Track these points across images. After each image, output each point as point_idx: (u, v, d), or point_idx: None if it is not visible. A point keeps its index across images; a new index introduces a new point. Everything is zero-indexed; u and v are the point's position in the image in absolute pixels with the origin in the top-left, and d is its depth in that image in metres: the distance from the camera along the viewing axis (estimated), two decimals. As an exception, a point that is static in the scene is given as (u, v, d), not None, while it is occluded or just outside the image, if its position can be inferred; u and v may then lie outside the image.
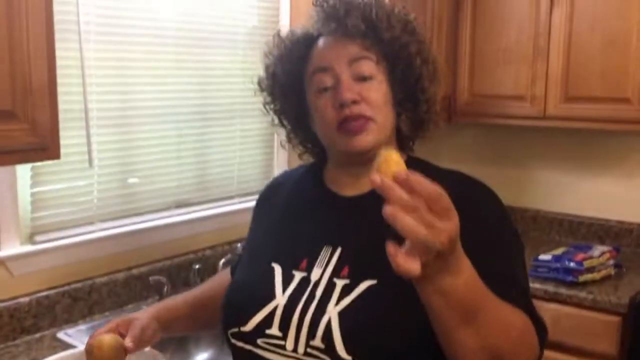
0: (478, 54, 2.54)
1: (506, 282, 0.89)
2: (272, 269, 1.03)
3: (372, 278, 0.94)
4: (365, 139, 1.00)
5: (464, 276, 0.76)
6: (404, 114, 1.06)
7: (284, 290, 0.99)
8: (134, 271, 1.92)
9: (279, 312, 0.97)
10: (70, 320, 1.76)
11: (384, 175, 0.73)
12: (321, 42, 1.05)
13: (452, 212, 0.71)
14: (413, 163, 1.07)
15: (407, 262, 0.71)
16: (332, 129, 1.02)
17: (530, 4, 2.40)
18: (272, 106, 1.15)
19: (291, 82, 1.09)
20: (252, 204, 2.28)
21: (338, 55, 1.02)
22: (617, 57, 2.23)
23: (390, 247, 0.71)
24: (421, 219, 0.69)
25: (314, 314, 0.95)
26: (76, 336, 1.68)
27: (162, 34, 1.94)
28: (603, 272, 2.22)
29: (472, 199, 0.97)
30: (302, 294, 0.98)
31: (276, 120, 1.16)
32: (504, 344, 0.82)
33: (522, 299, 0.90)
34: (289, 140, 1.18)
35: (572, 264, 2.19)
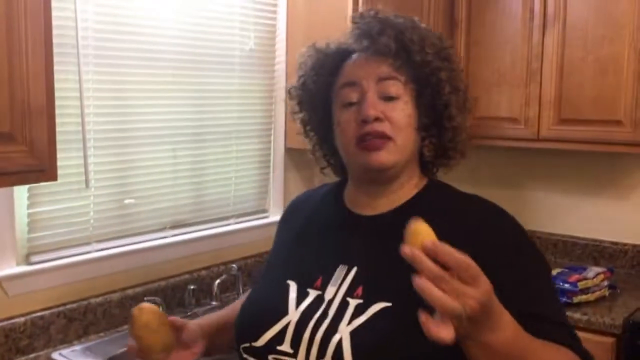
0: (472, 77, 2.57)
1: (546, 320, 0.91)
2: (287, 286, 1.03)
3: (386, 300, 0.94)
4: (384, 156, 1.00)
5: (505, 332, 0.79)
6: (428, 139, 1.06)
7: (297, 307, 0.99)
8: (129, 292, 1.92)
9: (291, 329, 0.97)
10: (65, 340, 1.76)
11: (413, 245, 0.75)
12: (353, 58, 1.06)
13: (482, 278, 0.74)
14: (434, 187, 1.09)
15: (439, 331, 0.72)
16: (352, 144, 1.02)
17: (523, 27, 2.44)
18: (299, 115, 1.15)
19: (320, 94, 1.09)
20: (249, 224, 2.34)
21: (367, 72, 1.03)
22: (609, 81, 2.26)
23: (422, 316, 0.73)
24: (450, 288, 0.72)
25: (325, 332, 0.94)
26: (71, 357, 1.68)
27: (159, 57, 1.97)
28: (597, 294, 2.22)
29: (497, 229, 0.99)
30: (315, 312, 0.97)
31: (301, 130, 1.16)
32: None
33: (565, 335, 0.92)
34: (313, 152, 1.18)
35: (566, 285, 2.19)
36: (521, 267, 0.96)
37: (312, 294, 1.00)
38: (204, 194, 2.18)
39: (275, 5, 2.34)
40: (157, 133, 2.00)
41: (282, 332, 0.97)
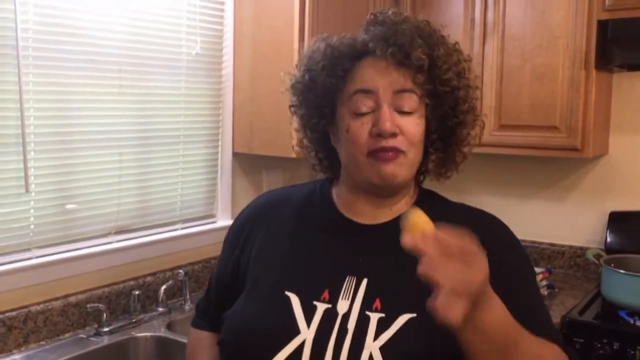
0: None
1: (538, 320, 0.93)
2: (288, 299, 0.96)
3: (409, 311, 0.90)
4: (396, 170, 0.96)
5: (497, 311, 0.80)
6: (434, 154, 1.03)
7: (308, 323, 0.92)
8: (72, 299, 1.87)
9: (307, 350, 0.90)
10: (4, 349, 1.70)
11: (413, 235, 0.77)
12: (371, 61, 0.99)
13: (481, 257, 0.76)
14: (425, 195, 1.07)
15: (447, 311, 0.73)
16: (362, 154, 0.97)
17: (464, 36, 2.51)
18: (297, 109, 1.08)
19: (326, 93, 1.03)
20: (196, 229, 2.31)
21: (387, 81, 0.96)
22: (545, 88, 2.36)
23: (429, 301, 0.74)
24: (453, 270, 0.73)
25: (350, 351, 0.89)
26: (9, 367, 1.64)
27: (104, 60, 1.94)
28: (536, 293, 2.31)
29: (499, 239, 1.01)
30: (332, 328, 0.91)
31: (296, 125, 1.10)
32: None
33: (554, 334, 0.94)
34: (303, 147, 1.12)
35: (507, 286, 2.26)
36: (521, 273, 0.99)
37: (321, 307, 0.94)
38: (149, 199, 2.16)
39: (222, 10, 2.34)
40: (101, 137, 1.97)
41: (297, 353, 0.90)
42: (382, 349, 0.88)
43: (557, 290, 2.39)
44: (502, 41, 2.43)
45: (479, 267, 0.76)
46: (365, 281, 0.95)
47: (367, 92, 0.97)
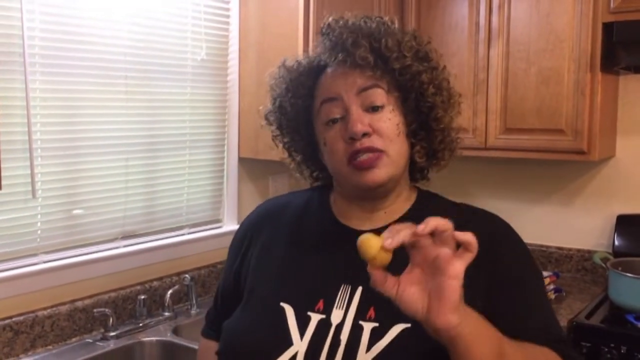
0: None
1: (536, 321, 0.91)
2: (282, 310, 0.94)
3: (404, 321, 0.88)
4: (378, 174, 0.95)
5: (479, 321, 0.79)
6: (418, 145, 1.01)
7: (301, 334, 0.91)
8: (78, 304, 1.89)
9: None
10: (11, 354, 1.71)
11: (372, 262, 0.77)
12: (329, 72, 1.00)
13: (452, 239, 0.75)
14: (425, 197, 1.06)
15: (446, 314, 0.74)
16: (343, 163, 0.96)
17: (469, 40, 2.51)
18: (280, 139, 1.09)
19: (299, 115, 1.03)
20: (202, 234, 2.32)
21: (346, 85, 0.97)
22: (551, 92, 2.35)
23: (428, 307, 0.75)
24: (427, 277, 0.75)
25: None
26: (16, 371, 1.65)
27: (110, 66, 1.96)
28: (543, 297, 2.29)
29: (504, 239, 0.99)
30: (324, 339, 0.90)
31: (286, 154, 1.11)
32: None
33: (555, 337, 0.92)
34: (300, 172, 1.12)
35: (513, 290, 2.25)
36: (522, 272, 0.97)
37: (315, 318, 0.92)
38: (156, 204, 2.17)
39: (227, 15, 2.36)
40: (108, 142, 1.98)
41: None
42: None
43: (564, 293, 2.38)
44: (507, 45, 2.43)
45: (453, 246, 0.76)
46: (359, 290, 0.93)
47: (332, 99, 0.98)
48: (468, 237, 0.75)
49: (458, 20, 2.52)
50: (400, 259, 0.78)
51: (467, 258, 0.75)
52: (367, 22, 1.00)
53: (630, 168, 2.54)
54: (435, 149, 1.03)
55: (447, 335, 0.76)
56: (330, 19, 1.02)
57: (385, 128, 0.95)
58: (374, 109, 0.96)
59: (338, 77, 0.98)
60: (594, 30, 2.26)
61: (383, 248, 0.75)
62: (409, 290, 0.76)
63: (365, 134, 0.94)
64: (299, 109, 1.03)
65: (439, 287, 0.74)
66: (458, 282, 0.74)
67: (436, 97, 0.99)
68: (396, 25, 1.03)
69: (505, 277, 0.89)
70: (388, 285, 0.77)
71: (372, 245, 0.76)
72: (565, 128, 2.33)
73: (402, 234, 0.75)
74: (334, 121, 0.97)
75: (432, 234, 0.75)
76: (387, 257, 0.76)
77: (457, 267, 0.74)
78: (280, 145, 1.11)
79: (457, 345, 0.77)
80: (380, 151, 0.95)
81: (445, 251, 0.74)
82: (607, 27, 2.23)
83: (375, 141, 0.94)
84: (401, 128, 0.98)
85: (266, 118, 1.09)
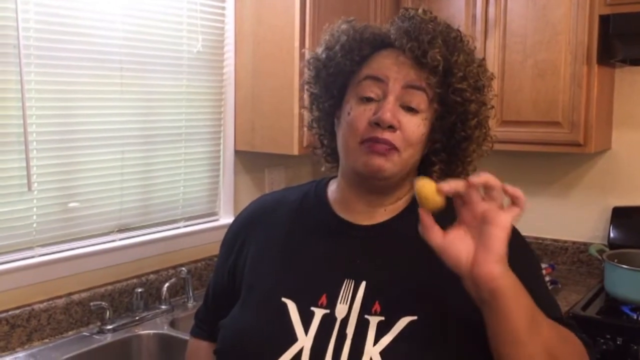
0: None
1: (550, 309, 0.92)
2: (285, 305, 0.93)
3: (410, 314, 0.88)
4: (384, 165, 0.93)
5: (514, 276, 0.82)
6: (438, 165, 1.00)
7: (306, 330, 0.90)
8: (75, 297, 1.88)
9: (306, 357, 0.87)
10: (7, 348, 1.71)
11: (424, 203, 0.82)
12: (387, 52, 0.98)
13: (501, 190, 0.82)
14: None
15: (490, 262, 0.78)
16: (356, 140, 0.95)
17: (465, 31, 2.46)
18: (309, 86, 1.07)
19: (339, 76, 1.01)
20: (199, 227, 2.32)
21: (398, 73, 0.95)
22: (547, 84, 2.35)
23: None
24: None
25: (350, 356, 0.86)
26: (13, 365, 1.64)
27: (105, 58, 1.94)
28: (539, 289, 2.30)
29: None
30: (330, 334, 0.89)
31: (307, 102, 1.09)
32: (563, 352, 0.86)
33: (569, 326, 0.95)
34: (311, 127, 1.10)
35: (510, 282, 2.26)
36: (529, 265, 0.98)
37: (319, 313, 0.91)
38: (152, 197, 2.16)
39: (223, 7, 2.34)
40: (103, 135, 1.97)
41: None
42: (382, 353, 0.86)
43: (560, 285, 2.39)
44: (504, 37, 2.43)
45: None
46: (363, 284, 0.93)
47: (377, 79, 0.96)
48: (518, 192, 0.81)
49: (455, 12, 2.51)
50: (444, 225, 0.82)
51: (515, 213, 0.80)
52: (448, 28, 0.99)
53: (626, 160, 2.55)
54: (452, 173, 1.02)
55: (488, 287, 0.78)
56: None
57: (411, 132, 0.94)
58: (409, 109, 0.95)
59: (394, 62, 0.96)
60: (590, 22, 2.26)
61: (438, 191, 0.81)
62: (454, 242, 0.80)
63: (391, 127, 0.93)
64: (342, 69, 1.00)
65: (486, 236, 0.79)
66: (505, 233, 0.79)
67: (475, 131, 0.99)
68: (471, 45, 1.01)
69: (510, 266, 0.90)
70: (434, 233, 0.81)
71: (427, 187, 0.82)
72: (561, 120, 2.33)
73: (458, 182, 0.81)
74: (368, 99, 0.96)
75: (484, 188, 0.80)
76: (440, 201, 0.82)
77: (506, 218, 0.79)
78: (306, 93, 1.08)
79: (497, 299, 0.79)
80: (396, 149, 0.93)
81: (495, 204, 0.80)
82: (604, 20, 2.24)
83: (396, 138, 0.93)
84: (423, 139, 0.97)
85: (308, 62, 1.06)
